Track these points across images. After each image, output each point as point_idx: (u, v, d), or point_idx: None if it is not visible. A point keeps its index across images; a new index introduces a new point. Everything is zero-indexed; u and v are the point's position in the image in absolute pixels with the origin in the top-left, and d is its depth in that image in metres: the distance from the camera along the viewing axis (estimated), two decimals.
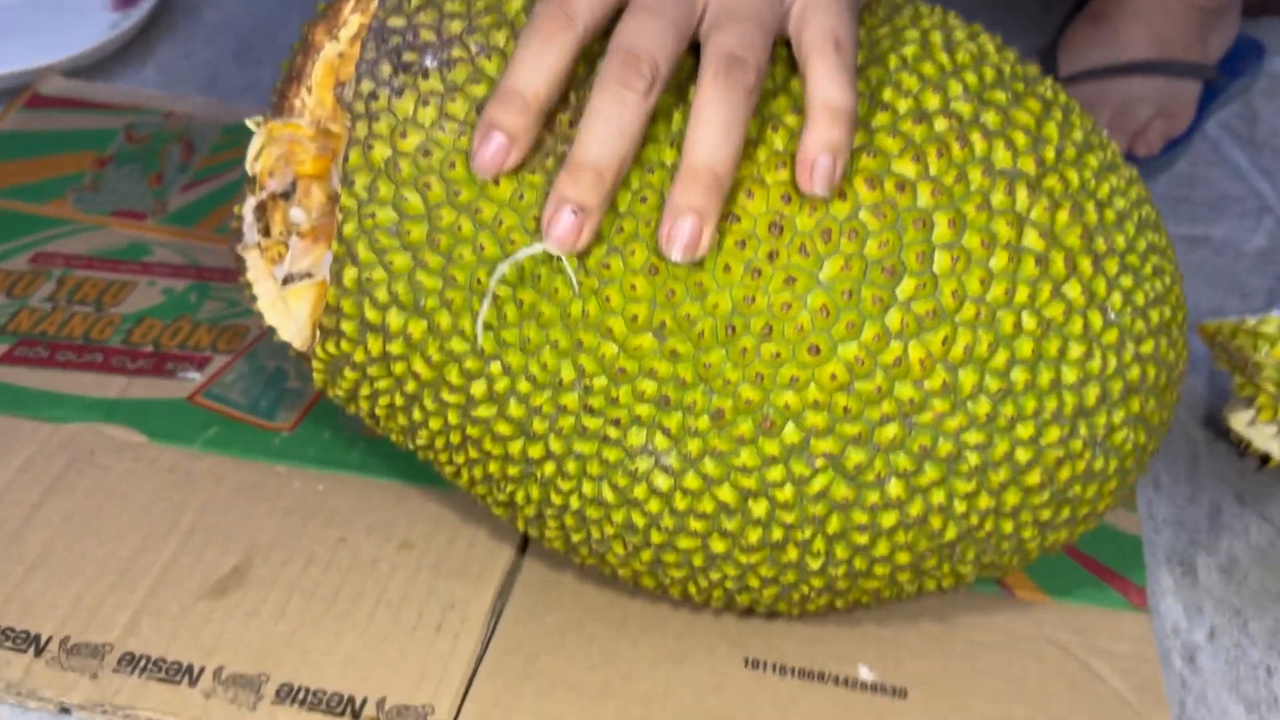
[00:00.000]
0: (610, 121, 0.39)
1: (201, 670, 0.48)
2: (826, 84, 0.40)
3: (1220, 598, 0.56)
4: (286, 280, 0.47)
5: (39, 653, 0.49)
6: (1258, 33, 0.86)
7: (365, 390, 0.45)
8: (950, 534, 0.43)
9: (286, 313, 0.47)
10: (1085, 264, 0.42)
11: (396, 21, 0.42)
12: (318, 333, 0.45)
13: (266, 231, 0.47)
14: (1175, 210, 0.77)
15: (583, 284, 0.41)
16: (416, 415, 0.45)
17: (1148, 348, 0.44)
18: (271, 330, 0.47)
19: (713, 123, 0.39)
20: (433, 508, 0.55)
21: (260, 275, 0.47)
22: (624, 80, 0.39)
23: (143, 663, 0.49)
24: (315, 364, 0.46)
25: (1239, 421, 0.59)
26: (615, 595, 0.52)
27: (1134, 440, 0.45)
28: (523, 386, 0.42)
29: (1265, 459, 0.61)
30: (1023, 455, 0.42)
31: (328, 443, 0.58)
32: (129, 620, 0.50)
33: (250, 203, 0.47)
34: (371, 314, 0.43)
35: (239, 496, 0.55)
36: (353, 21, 0.45)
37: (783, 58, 0.43)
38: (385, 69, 0.42)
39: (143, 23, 0.85)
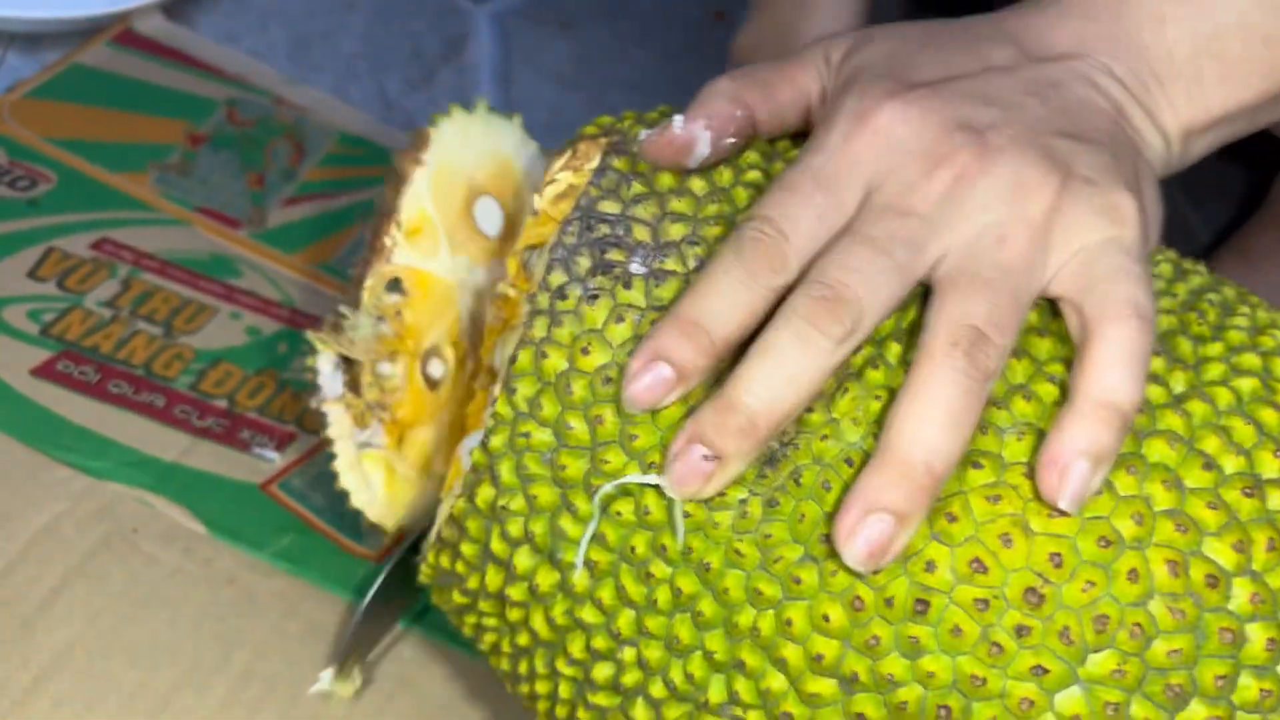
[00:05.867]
0: (783, 364, 0.32)
1: None
2: (1111, 369, 0.32)
3: None
4: (364, 445, 0.42)
5: None
6: None
7: (471, 619, 0.38)
8: None
9: (364, 480, 0.42)
10: None
11: (610, 207, 0.36)
12: (435, 539, 0.38)
13: (354, 386, 0.42)
14: None
15: (762, 594, 0.32)
16: (523, 668, 0.38)
17: None
18: None
19: (939, 403, 0.31)
20: None
21: (343, 433, 0.42)
22: (813, 318, 0.32)
23: None
24: (424, 565, 0.39)
25: None
26: None
27: None
28: (657, 690, 0.34)
29: None
30: None
31: None
32: None
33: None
34: (497, 545, 0.36)
35: (310, 643, 0.45)
36: (561, 179, 0.39)
37: (1049, 331, 0.34)
38: (583, 263, 0.35)
39: None
